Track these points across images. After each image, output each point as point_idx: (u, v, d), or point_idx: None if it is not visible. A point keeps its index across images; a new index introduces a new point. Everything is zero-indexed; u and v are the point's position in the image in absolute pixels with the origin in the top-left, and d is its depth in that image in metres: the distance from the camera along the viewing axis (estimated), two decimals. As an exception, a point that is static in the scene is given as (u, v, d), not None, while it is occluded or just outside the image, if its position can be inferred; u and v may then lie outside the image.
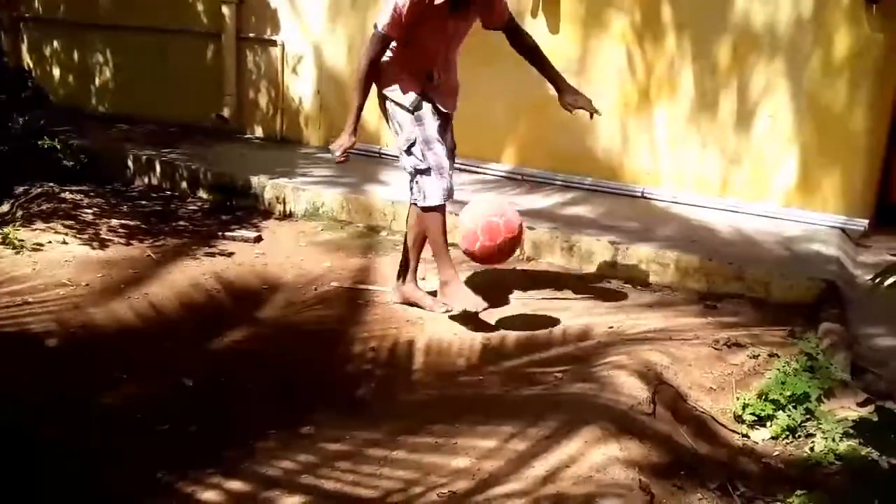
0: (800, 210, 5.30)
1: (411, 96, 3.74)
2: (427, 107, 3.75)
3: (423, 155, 3.72)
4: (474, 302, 3.75)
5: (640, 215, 5.30)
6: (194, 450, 2.89)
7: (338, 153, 3.83)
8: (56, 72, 8.13)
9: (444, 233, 3.82)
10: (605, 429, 2.76)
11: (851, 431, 2.65)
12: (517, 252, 3.98)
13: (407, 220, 4.06)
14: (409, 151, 3.75)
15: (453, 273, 3.82)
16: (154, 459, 2.81)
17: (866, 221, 5.20)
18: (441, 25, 3.66)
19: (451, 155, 3.93)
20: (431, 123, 3.74)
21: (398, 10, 3.56)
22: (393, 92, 3.78)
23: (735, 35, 5.35)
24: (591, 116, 3.94)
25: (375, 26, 3.67)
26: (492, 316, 3.95)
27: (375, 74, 3.75)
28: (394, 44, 3.72)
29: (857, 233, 5.14)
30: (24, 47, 8.30)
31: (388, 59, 3.77)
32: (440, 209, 3.77)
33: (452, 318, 3.92)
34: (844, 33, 5.04)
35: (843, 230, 5.13)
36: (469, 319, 3.88)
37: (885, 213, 5.37)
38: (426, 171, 3.73)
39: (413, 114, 3.74)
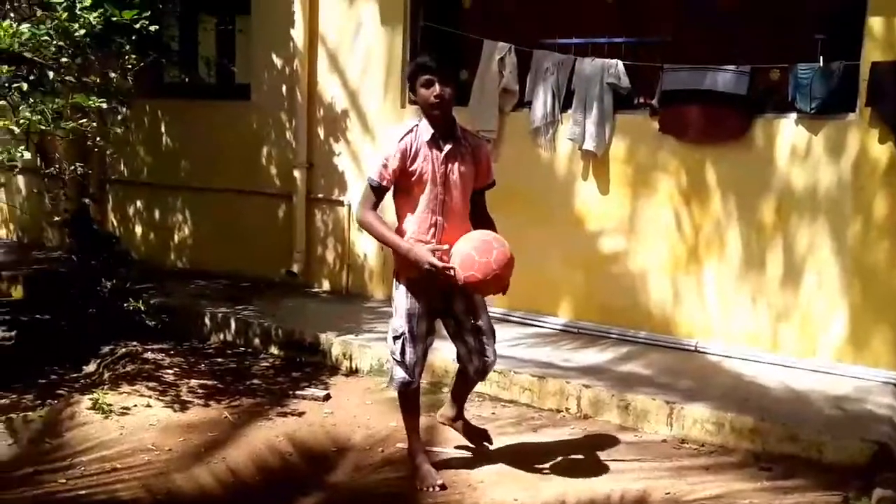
0: (851, 365, 5.41)
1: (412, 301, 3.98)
2: (418, 307, 3.98)
3: (402, 349, 4.02)
4: (430, 482, 4.06)
5: (694, 371, 5.46)
6: None
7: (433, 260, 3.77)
8: (138, 229, 8.75)
9: (411, 412, 4.16)
10: None
11: None
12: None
13: None
14: (394, 339, 4.05)
15: (419, 451, 4.20)
16: None
17: (919, 377, 5.27)
18: (431, 167, 3.83)
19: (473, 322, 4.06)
20: (422, 323, 4.01)
21: (387, 158, 3.79)
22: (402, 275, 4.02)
23: (778, 197, 5.62)
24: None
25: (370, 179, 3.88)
26: (551, 479, 4.12)
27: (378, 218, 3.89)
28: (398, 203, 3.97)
29: (910, 388, 5.21)
30: (109, 206, 8.98)
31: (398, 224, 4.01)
32: (401, 395, 4.13)
33: (514, 482, 4.10)
34: (883, 196, 5.28)
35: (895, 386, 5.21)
36: (530, 482, 4.06)
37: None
38: (399, 363, 4.05)
39: (408, 310, 4.00)
